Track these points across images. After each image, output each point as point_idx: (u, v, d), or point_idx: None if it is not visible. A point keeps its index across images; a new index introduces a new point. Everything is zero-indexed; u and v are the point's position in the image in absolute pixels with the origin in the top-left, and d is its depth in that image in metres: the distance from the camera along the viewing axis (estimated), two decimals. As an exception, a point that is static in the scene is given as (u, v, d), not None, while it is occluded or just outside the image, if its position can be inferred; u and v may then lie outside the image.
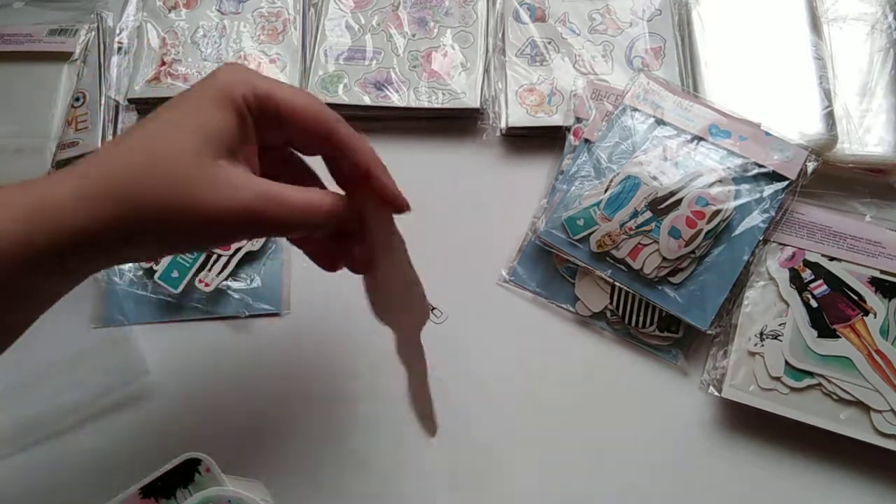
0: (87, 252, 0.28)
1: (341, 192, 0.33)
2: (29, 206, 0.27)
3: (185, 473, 0.35)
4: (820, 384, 0.42)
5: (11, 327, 0.30)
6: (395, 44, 0.55)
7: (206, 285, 0.47)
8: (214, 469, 0.35)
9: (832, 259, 0.45)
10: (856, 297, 0.44)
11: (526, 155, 0.53)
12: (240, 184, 0.29)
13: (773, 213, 0.45)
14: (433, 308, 0.48)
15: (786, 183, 0.46)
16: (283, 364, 0.47)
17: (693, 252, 0.45)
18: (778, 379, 0.42)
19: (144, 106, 0.55)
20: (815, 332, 0.43)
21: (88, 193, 0.27)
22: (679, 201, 0.45)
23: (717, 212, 0.45)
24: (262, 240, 0.50)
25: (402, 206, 0.33)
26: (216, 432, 0.45)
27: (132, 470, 0.43)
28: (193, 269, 0.47)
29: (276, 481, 0.43)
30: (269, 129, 0.31)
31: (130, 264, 0.49)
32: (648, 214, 0.45)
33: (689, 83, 0.53)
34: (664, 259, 0.45)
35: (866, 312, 0.43)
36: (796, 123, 0.48)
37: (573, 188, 0.48)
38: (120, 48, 0.57)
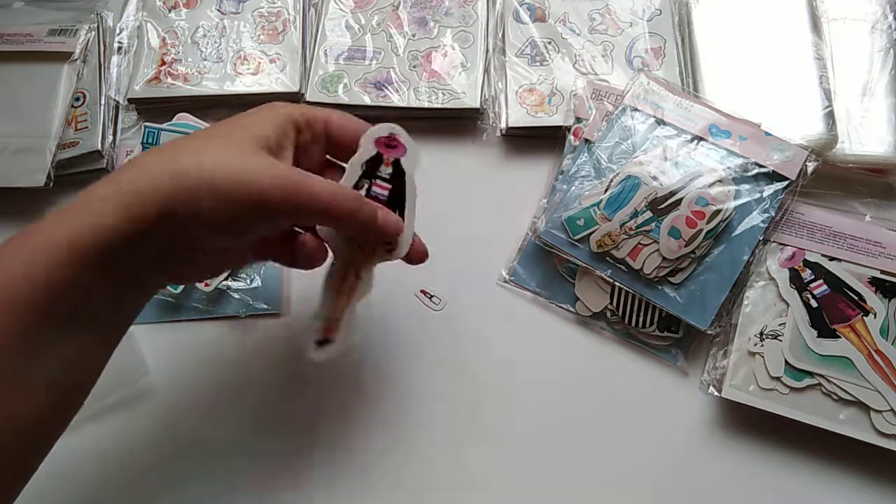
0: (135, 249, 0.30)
1: None
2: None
3: None
4: (820, 384, 0.42)
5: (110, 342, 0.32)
6: (395, 44, 0.55)
7: (206, 285, 0.47)
8: None
9: (832, 259, 0.45)
10: (856, 297, 0.44)
11: (526, 155, 0.53)
12: (281, 166, 0.32)
13: (773, 213, 0.45)
14: (431, 296, 0.48)
15: (786, 183, 0.46)
16: (282, 364, 0.47)
17: (693, 252, 0.45)
18: (778, 379, 0.42)
19: (144, 106, 0.55)
20: (815, 332, 0.43)
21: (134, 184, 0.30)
22: (679, 201, 0.45)
23: (717, 212, 0.45)
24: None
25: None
26: (216, 432, 0.45)
27: (133, 470, 0.44)
28: (193, 269, 0.47)
29: (273, 480, 0.43)
30: (314, 143, 0.36)
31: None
32: (648, 214, 0.45)
33: (689, 83, 0.53)
34: (664, 259, 0.45)
35: (866, 312, 0.43)
36: (796, 123, 0.48)
37: (573, 188, 0.48)
38: (120, 48, 0.57)
